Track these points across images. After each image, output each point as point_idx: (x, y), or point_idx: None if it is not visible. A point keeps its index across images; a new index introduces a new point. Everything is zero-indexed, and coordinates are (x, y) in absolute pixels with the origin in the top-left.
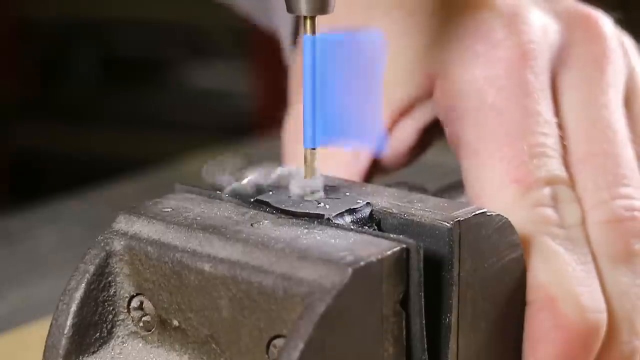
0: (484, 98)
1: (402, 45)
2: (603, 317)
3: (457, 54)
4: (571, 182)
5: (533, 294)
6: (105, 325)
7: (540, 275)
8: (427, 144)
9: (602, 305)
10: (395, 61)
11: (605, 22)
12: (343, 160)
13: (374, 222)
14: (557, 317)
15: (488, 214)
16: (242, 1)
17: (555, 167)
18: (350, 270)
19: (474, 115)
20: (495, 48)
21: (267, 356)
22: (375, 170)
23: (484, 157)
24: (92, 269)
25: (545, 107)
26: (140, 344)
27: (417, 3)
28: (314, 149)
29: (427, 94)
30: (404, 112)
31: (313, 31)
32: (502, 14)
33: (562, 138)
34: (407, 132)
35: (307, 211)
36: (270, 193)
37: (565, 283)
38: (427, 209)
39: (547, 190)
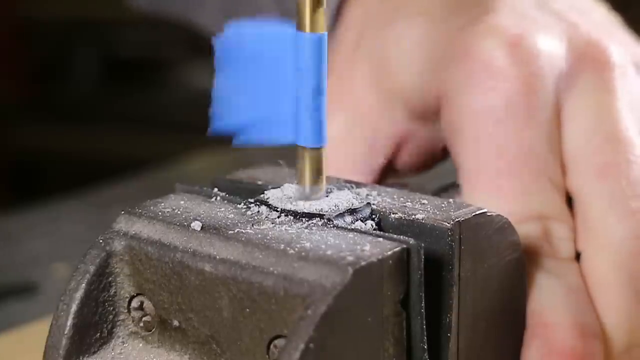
0: (482, 129)
1: (417, 52)
2: (598, 343)
3: (459, 78)
4: (565, 217)
5: (528, 320)
6: (105, 326)
7: (533, 304)
8: (446, 152)
9: (598, 330)
10: (410, 67)
11: (614, 50)
12: (358, 157)
13: (374, 222)
14: (551, 343)
15: (488, 214)
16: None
17: (548, 202)
18: (350, 270)
19: (473, 145)
20: (496, 77)
21: (267, 356)
22: (391, 171)
23: (479, 187)
24: (92, 269)
25: (544, 142)
26: (141, 344)
27: (440, 14)
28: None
29: (438, 106)
30: (420, 118)
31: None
32: (507, 39)
33: (564, 167)
34: (424, 138)
35: (307, 211)
36: (271, 193)
37: (558, 311)
38: (427, 209)
39: (539, 225)
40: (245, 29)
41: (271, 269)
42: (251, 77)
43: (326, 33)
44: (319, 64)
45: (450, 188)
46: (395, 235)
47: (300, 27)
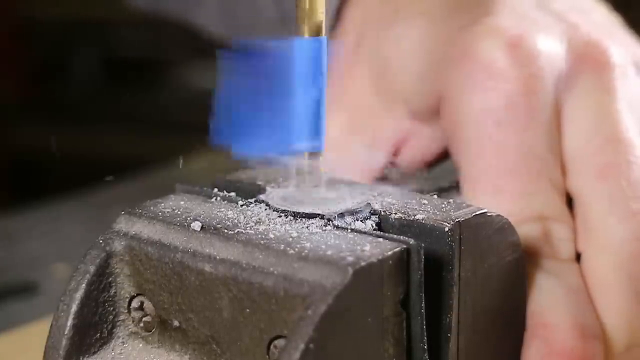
0: (482, 130)
1: (417, 53)
2: (598, 344)
3: (459, 79)
4: (565, 218)
5: (528, 321)
6: (105, 326)
7: (533, 305)
8: (446, 152)
9: (598, 331)
10: (410, 68)
11: (614, 50)
12: (358, 157)
13: (374, 223)
14: (551, 344)
15: (488, 214)
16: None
17: (548, 203)
18: (351, 270)
19: (473, 146)
20: (496, 78)
21: (267, 357)
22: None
23: (479, 188)
24: (92, 269)
25: (544, 142)
26: (141, 345)
27: (440, 15)
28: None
29: (439, 107)
30: (420, 118)
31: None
32: (507, 40)
33: (564, 168)
34: (424, 138)
35: (307, 211)
36: (271, 193)
37: (558, 311)
38: (427, 209)
39: (539, 226)
40: (249, 45)
41: (271, 269)
42: (251, 90)
43: (325, 38)
44: (318, 69)
45: (450, 188)
46: (395, 236)
47: (299, 32)
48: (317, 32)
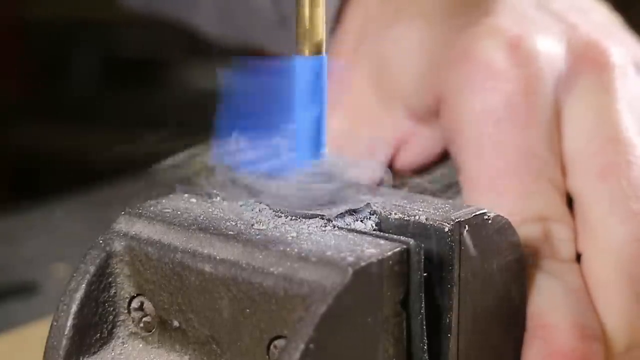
0: (482, 130)
1: (417, 53)
2: (598, 345)
3: (459, 79)
4: (566, 219)
5: (528, 322)
6: (105, 326)
7: (533, 305)
8: (446, 153)
9: (598, 332)
10: (410, 68)
11: (614, 50)
12: (358, 158)
13: (374, 223)
14: (551, 345)
15: (488, 215)
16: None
17: (548, 203)
18: (350, 270)
19: (473, 145)
20: (495, 78)
21: (267, 357)
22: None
23: (479, 189)
24: (92, 269)
25: (543, 142)
26: (141, 345)
27: (440, 15)
28: None
29: (438, 107)
30: (420, 119)
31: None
32: (506, 40)
33: (564, 168)
34: (424, 138)
35: (307, 212)
36: (271, 193)
37: (558, 312)
38: (427, 210)
39: (539, 226)
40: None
41: (271, 269)
42: (254, 103)
43: (326, 57)
44: (318, 88)
45: (450, 188)
46: (395, 236)
47: (300, 51)
48: (318, 51)
